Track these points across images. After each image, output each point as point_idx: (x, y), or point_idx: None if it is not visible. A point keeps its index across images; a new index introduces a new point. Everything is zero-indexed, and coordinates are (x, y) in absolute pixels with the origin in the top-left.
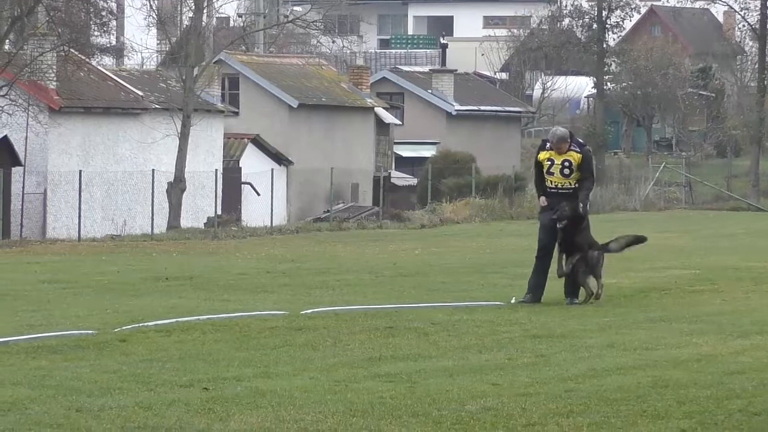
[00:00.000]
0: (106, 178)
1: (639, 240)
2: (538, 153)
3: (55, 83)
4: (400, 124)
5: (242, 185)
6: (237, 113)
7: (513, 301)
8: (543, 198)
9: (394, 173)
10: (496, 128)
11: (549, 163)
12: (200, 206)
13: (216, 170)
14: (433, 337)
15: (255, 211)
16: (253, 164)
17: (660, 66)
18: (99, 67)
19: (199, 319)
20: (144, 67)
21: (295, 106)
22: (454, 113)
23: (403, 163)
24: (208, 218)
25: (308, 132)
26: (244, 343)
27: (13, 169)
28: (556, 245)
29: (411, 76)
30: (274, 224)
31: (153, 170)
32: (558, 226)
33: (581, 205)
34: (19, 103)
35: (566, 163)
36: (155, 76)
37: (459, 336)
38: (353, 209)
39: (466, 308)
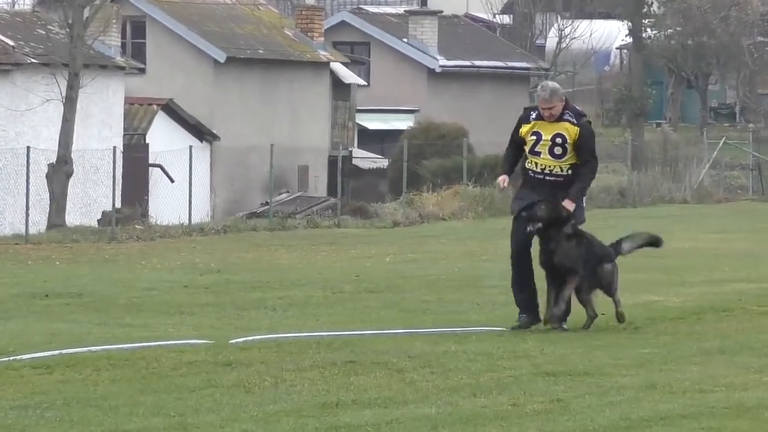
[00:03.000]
0: None
1: (654, 242)
2: (518, 126)
3: None
4: (365, 85)
5: (150, 168)
6: (143, 70)
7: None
8: (503, 177)
9: (357, 152)
10: (496, 91)
11: (534, 138)
12: (93, 197)
13: (114, 148)
14: (410, 374)
15: (167, 204)
16: (164, 140)
17: (719, 6)
18: None
19: (92, 350)
20: (16, 7)
21: (222, 61)
22: (438, 70)
23: (369, 139)
24: (104, 213)
25: (240, 96)
26: (153, 384)
27: None
28: (545, 273)
29: (380, 19)
30: (193, 221)
31: (28, 148)
32: (528, 229)
33: (568, 201)
34: None
35: (558, 139)
36: (31, 19)
37: (445, 374)
38: (301, 201)
39: (454, 336)
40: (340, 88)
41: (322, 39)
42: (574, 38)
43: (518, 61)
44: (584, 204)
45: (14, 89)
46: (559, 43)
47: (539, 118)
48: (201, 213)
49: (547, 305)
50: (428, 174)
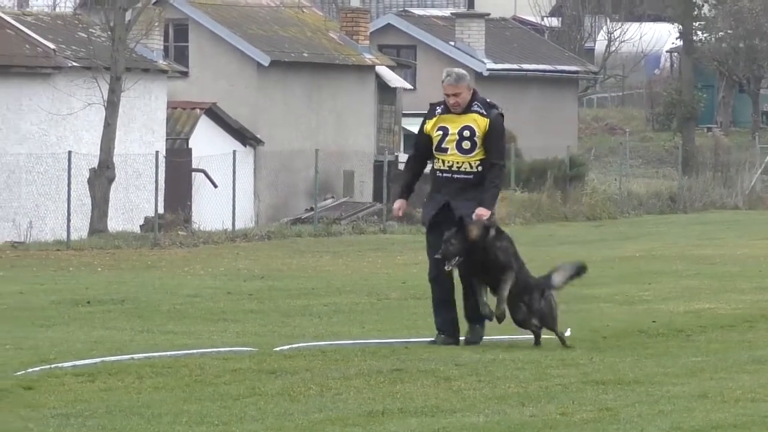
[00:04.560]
0: (5, 164)
1: (580, 271)
2: (422, 124)
3: None
4: (411, 89)
5: (193, 173)
6: (186, 74)
7: (568, 333)
8: (398, 203)
9: (403, 156)
10: (544, 95)
11: (440, 133)
12: (135, 202)
13: (157, 153)
14: (457, 383)
15: (210, 209)
16: (208, 144)
17: None
18: None
19: (134, 358)
20: (57, 10)
21: (266, 65)
22: (485, 74)
23: None
24: (146, 219)
25: (284, 100)
26: (196, 392)
27: None
28: (465, 281)
29: (426, 22)
30: (236, 227)
31: (69, 152)
32: (447, 269)
33: (482, 210)
34: None
35: (466, 132)
36: (72, 22)
37: (493, 382)
38: (347, 206)
39: (502, 344)
40: (385, 91)
41: (368, 42)
42: (624, 41)
43: (567, 64)
44: (495, 209)
45: (55, 93)
46: (609, 46)
47: (445, 111)
48: (245, 218)
49: (480, 301)
50: None
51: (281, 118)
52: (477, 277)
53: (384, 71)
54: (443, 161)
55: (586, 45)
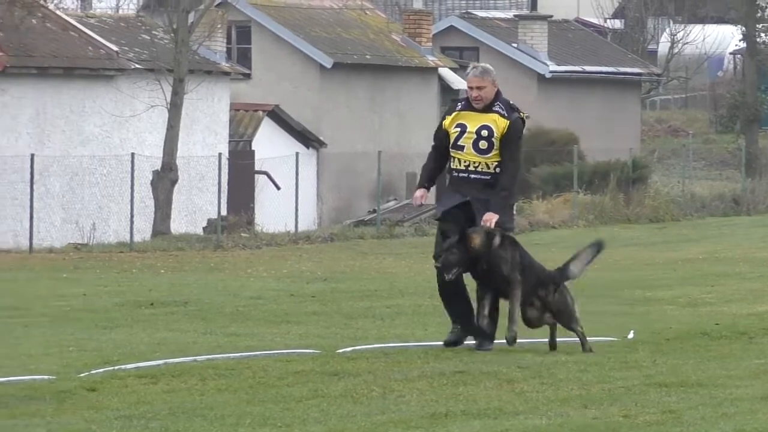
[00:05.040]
0: (68, 166)
1: (598, 248)
2: (442, 119)
3: None
4: None
5: (256, 175)
6: (249, 76)
7: (631, 336)
8: (420, 192)
9: None
10: (607, 97)
11: (457, 130)
12: (198, 204)
13: (220, 155)
14: (519, 385)
15: (273, 211)
16: (270, 146)
17: None
18: (58, 12)
19: (197, 360)
20: (120, 12)
21: (329, 67)
22: (548, 76)
23: None
24: (209, 221)
25: (347, 102)
26: (259, 394)
27: None
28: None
29: (489, 24)
30: (299, 229)
31: (132, 154)
32: (448, 278)
33: (490, 215)
34: None
35: (484, 131)
36: (135, 24)
37: (556, 384)
38: (409, 208)
39: (565, 346)
40: (448, 93)
41: (430, 44)
42: (687, 43)
43: (630, 66)
44: (514, 210)
45: (118, 95)
46: (672, 48)
47: (466, 108)
48: (307, 220)
49: (479, 310)
50: (538, 181)
51: (344, 120)
52: (483, 286)
53: (446, 73)
54: (459, 160)
55: (649, 47)
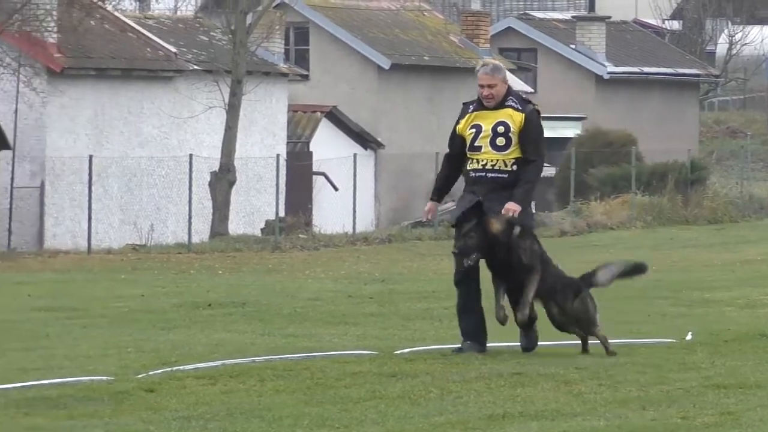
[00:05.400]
0: (126, 167)
1: (637, 268)
2: (455, 124)
3: (55, 35)
4: (531, 92)
5: (314, 177)
6: (307, 77)
7: (689, 337)
8: (429, 205)
9: None
10: (665, 98)
11: (473, 131)
12: (256, 205)
13: (278, 156)
14: (577, 386)
15: (331, 213)
16: (328, 147)
17: None
18: (116, 14)
19: (255, 361)
20: (178, 13)
21: (387, 68)
22: (606, 77)
23: None
24: (267, 222)
25: (404, 103)
26: (317, 395)
27: None
28: (491, 275)
29: (547, 25)
30: (357, 230)
31: (191, 156)
32: (466, 263)
33: (511, 204)
34: (7, 63)
35: (500, 128)
36: (193, 25)
37: (614, 386)
38: None
39: (624, 347)
40: None
41: (488, 45)
42: (745, 44)
43: (688, 67)
44: (533, 209)
45: (177, 96)
46: (730, 49)
47: (479, 108)
48: (365, 222)
49: (496, 303)
50: (596, 182)
51: (402, 121)
52: (499, 278)
53: None
54: (477, 160)
55: (707, 48)
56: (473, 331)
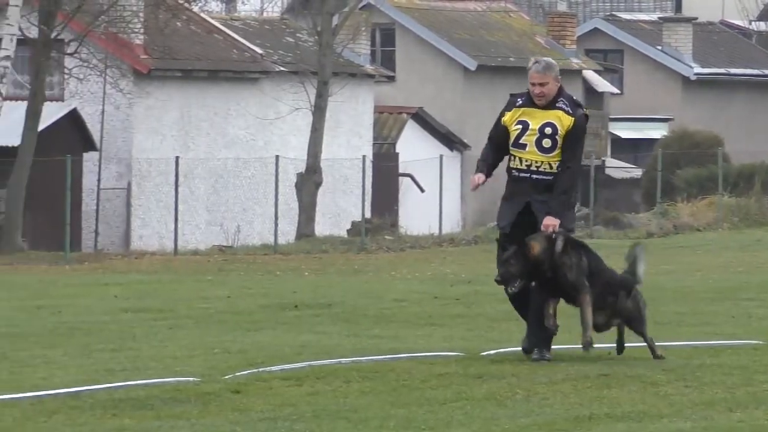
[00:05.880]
0: (213, 168)
1: (642, 249)
2: (500, 115)
3: (142, 37)
4: (618, 93)
5: (400, 178)
6: (393, 78)
7: None
8: (478, 176)
9: (610, 161)
10: (752, 99)
11: (519, 127)
12: (342, 206)
13: (364, 157)
14: (664, 388)
15: (417, 214)
16: (414, 149)
17: None
18: (203, 15)
19: (341, 362)
20: (264, 14)
21: (473, 69)
22: (693, 78)
23: (622, 148)
24: (353, 223)
25: (490, 104)
26: (403, 396)
27: (84, 155)
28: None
29: (633, 26)
30: (443, 232)
31: (277, 157)
32: (509, 290)
33: (549, 219)
34: (93, 65)
35: (548, 129)
36: (279, 27)
37: (700, 388)
38: None
39: (709, 349)
40: (592, 96)
41: (575, 46)
42: None
43: None
44: (575, 210)
45: (263, 98)
46: None
47: (528, 104)
48: (451, 223)
49: (545, 312)
50: (682, 184)
51: (488, 122)
52: (547, 293)
53: (591, 75)
54: (520, 159)
55: None
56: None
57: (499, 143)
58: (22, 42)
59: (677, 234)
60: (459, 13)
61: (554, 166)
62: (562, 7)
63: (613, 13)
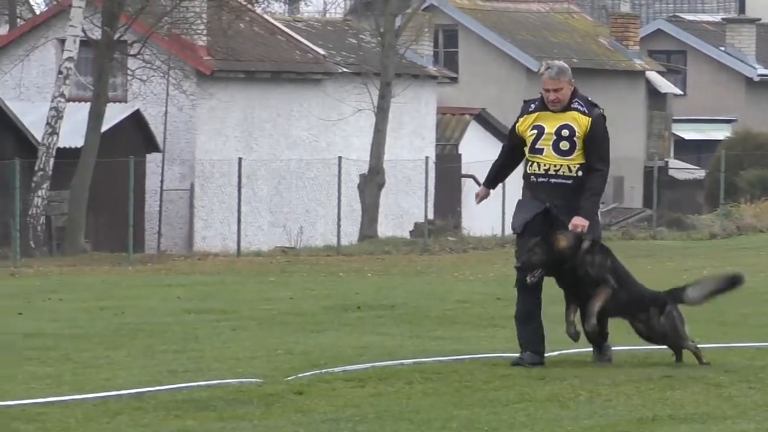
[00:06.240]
0: (276, 169)
1: (733, 282)
2: (516, 121)
3: (205, 38)
4: (681, 95)
5: (463, 179)
6: (455, 80)
7: None
8: (483, 190)
9: (673, 162)
10: None
11: (534, 132)
12: (405, 208)
13: (426, 158)
14: (727, 390)
15: (480, 215)
16: (477, 150)
17: None
18: (266, 16)
19: (403, 364)
20: (327, 16)
21: (536, 70)
22: (756, 79)
23: (685, 149)
24: (416, 224)
25: None
26: (466, 398)
27: (148, 156)
28: (564, 291)
29: (696, 27)
30: (506, 233)
31: (340, 158)
32: (529, 280)
33: (578, 219)
34: (156, 66)
35: (564, 131)
36: (342, 28)
37: (764, 389)
38: (616, 212)
39: None
40: (655, 97)
41: (638, 47)
42: None
43: None
44: (599, 217)
45: (325, 99)
46: None
47: (542, 108)
48: None
49: (566, 318)
50: (746, 185)
51: None
52: (570, 294)
53: (654, 77)
54: (538, 164)
55: None
56: (533, 341)
57: (513, 148)
58: (86, 43)
59: (740, 235)
60: (522, 14)
61: (573, 169)
62: (625, 8)
63: (676, 14)
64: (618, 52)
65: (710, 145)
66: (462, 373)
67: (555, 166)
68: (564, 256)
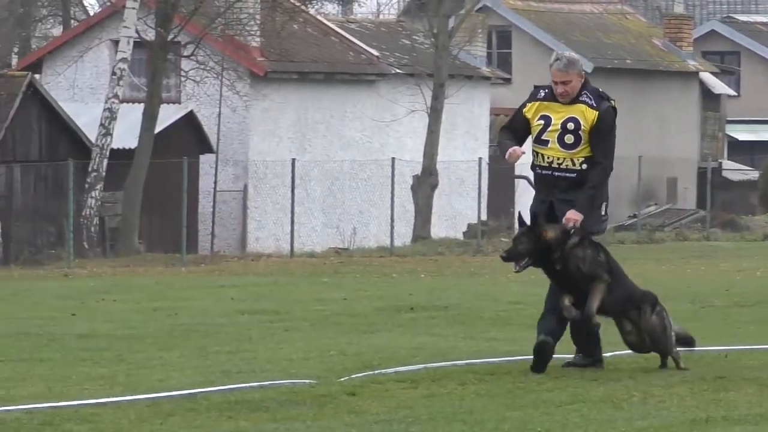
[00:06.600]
0: (329, 170)
1: (687, 342)
2: (522, 105)
3: (258, 39)
4: (735, 96)
5: (516, 180)
6: (509, 80)
7: None
8: (514, 148)
9: (727, 163)
10: None
11: (541, 123)
12: (458, 209)
13: (480, 159)
14: None
15: None
16: (530, 150)
17: None
18: (319, 17)
19: (457, 365)
20: (381, 17)
21: (590, 71)
22: None
23: (739, 150)
24: (469, 225)
25: None
26: (519, 399)
27: (201, 157)
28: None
29: (750, 28)
30: None
31: (393, 159)
32: (515, 270)
33: (572, 213)
34: (210, 68)
35: (570, 124)
36: (396, 29)
37: None
38: (670, 213)
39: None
40: (709, 98)
41: (691, 48)
42: None
43: None
44: (605, 212)
45: (379, 100)
46: None
47: (550, 97)
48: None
49: (560, 300)
50: None
51: None
52: (561, 288)
53: (707, 78)
54: (542, 156)
55: None
56: (549, 328)
57: (516, 128)
58: (139, 44)
59: None
60: (575, 15)
61: (577, 162)
62: (679, 9)
63: (730, 14)
64: (672, 53)
65: (764, 146)
66: (515, 374)
67: (558, 159)
68: (550, 247)
